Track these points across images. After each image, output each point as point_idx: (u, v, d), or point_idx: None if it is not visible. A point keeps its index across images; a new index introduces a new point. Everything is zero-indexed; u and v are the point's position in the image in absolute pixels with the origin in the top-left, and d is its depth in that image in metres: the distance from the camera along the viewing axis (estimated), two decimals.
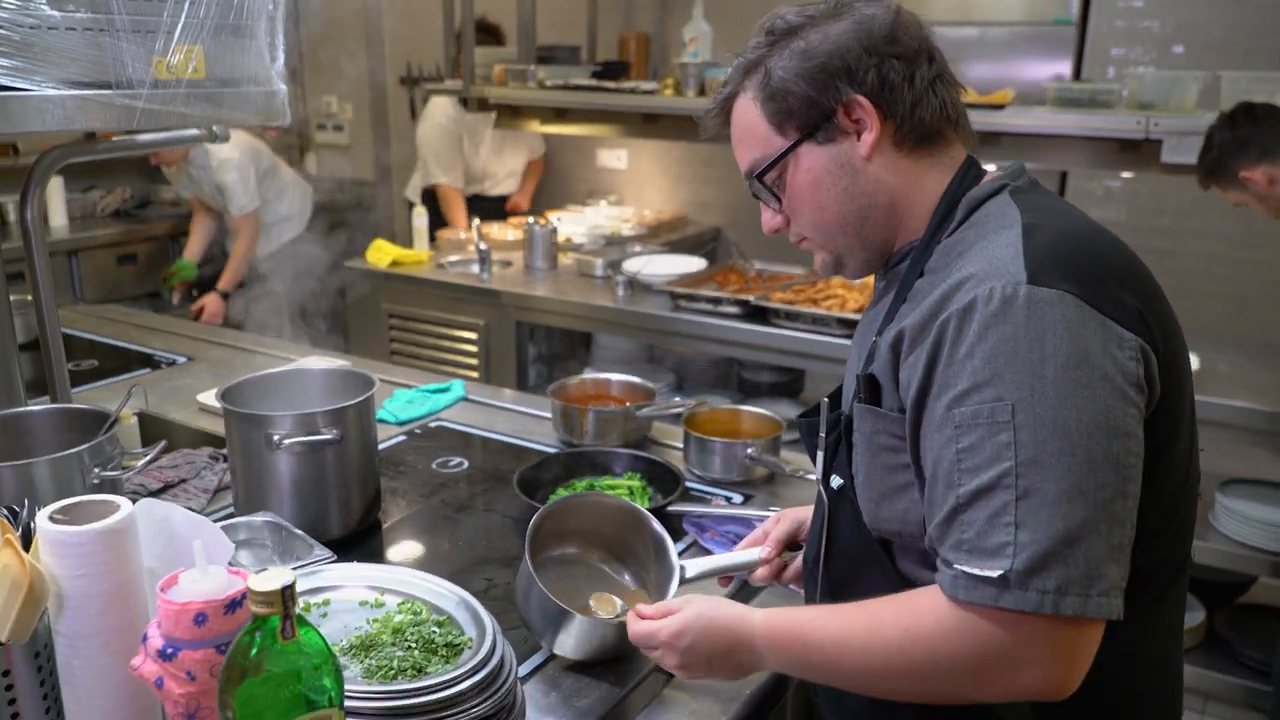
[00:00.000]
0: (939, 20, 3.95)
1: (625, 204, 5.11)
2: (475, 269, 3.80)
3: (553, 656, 1.31)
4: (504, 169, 4.80)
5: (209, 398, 2.18)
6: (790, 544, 1.36)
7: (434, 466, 1.95)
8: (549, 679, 1.28)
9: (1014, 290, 0.91)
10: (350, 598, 1.25)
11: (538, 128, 4.22)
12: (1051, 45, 3.95)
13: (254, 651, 0.86)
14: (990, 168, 1.12)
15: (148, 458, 1.57)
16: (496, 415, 2.23)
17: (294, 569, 1.18)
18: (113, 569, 0.98)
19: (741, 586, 1.45)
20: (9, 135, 1.57)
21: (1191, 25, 3.73)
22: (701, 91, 3.66)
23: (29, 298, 1.74)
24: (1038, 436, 0.88)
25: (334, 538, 1.59)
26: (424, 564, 1.58)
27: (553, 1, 4.63)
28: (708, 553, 1.57)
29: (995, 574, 0.88)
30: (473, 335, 3.72)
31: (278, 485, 1.58)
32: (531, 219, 4.02)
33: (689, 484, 1.83)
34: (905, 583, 1.06)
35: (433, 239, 4.19)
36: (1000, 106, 3.14)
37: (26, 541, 1.01)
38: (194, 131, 1.75)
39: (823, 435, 1.16)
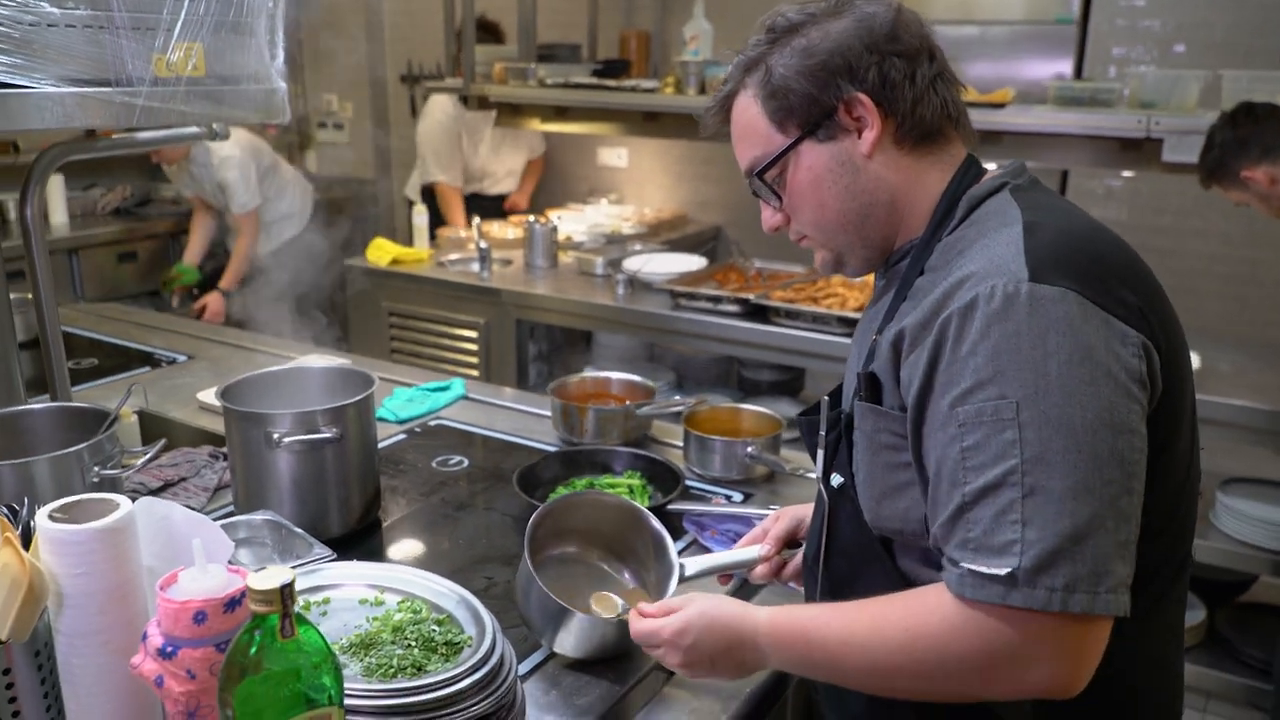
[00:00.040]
0: (940, 19, 3.95)
1: (626, 202, 5.10)
2: (475, 267, 3.80)
3: (553, 655, 1.30)
4: (503, 168, 4.80)
5: (209, 396, 2.18)
6: (789, 541, 1.36)
7: (434, 465, 1.95)
8: (549, 677, 1.28)
9: (1016, 288, 0.91)
10: (350, 596, 1.25)
11: (538, 126, 4.21)
12: (1052, 44, 3.94)
13: (253, 650, 0.86)
14: (991, 166, 1.12)
15: (147, 456, 1.57)
16: (496, 414, 2.23)
17: (293, 567, 1.18)
18: (112, 567, 0.98)
19: (741, 584, 1.45)
20: (9, 133, 1.57)
21: (1193, 24, 3.73)
22: (702, 90, 3.66)
23: (29, 296, 1.74)
24: (1042, 433, 0.88)
25: (334, 536, 1.59)
26: (424, 562, 1.58)
27: (553, 0, 4.63)
28: (707, 551, 1.57)
29: (1003, 572, 0.88)
30: (473, 334, 3.72)
31: (277, 484, 1.58)
32: (532, 217, 4.01)
33: (689, 482, 1.83)
34: (905, 581, 1.06)
35: (433, 237, 4.19)
36: (1001, 105, 3.14)
37: (26, 540, 1.01)
38: (194, 129, 1.75)
39: (823, 433, 1.16)
